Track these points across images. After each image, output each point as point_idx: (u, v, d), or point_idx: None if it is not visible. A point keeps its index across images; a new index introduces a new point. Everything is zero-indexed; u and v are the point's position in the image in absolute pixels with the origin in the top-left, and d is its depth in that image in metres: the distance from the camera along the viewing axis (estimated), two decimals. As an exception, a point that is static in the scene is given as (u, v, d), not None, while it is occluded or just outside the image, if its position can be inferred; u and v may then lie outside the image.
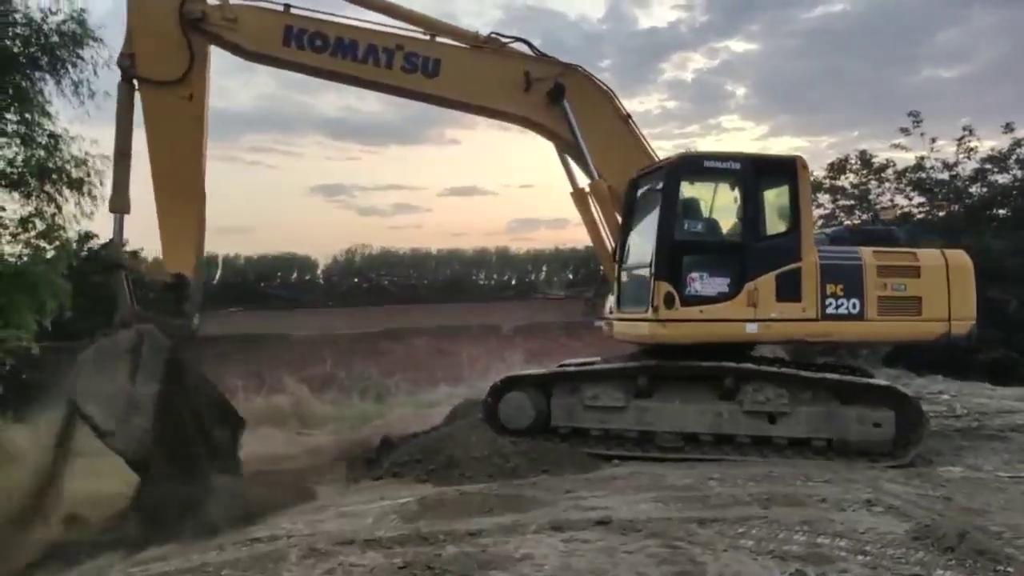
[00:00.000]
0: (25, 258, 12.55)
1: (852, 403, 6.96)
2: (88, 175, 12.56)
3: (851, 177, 21.81)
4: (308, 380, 16.53)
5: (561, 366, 8.16)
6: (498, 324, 24.39)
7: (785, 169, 7.47)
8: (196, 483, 6.33)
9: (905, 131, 20.67)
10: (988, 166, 20.39)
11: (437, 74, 8.20)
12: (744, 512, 4.99)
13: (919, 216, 20.88)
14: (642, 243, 7.73)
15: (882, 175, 21.40)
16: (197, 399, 7.00)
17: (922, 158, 20.72)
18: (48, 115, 12.35)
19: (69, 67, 12.21)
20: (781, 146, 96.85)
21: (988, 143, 23.07)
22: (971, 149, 20.31)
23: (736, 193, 7.56)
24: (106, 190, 11.31)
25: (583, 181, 8.80)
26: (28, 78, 12.05)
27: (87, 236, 18.24)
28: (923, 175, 20.90)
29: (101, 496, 6.82)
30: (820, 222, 19.31)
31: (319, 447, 10.37)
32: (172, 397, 6.65)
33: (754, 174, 7.43)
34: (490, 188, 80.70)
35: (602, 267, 9.16)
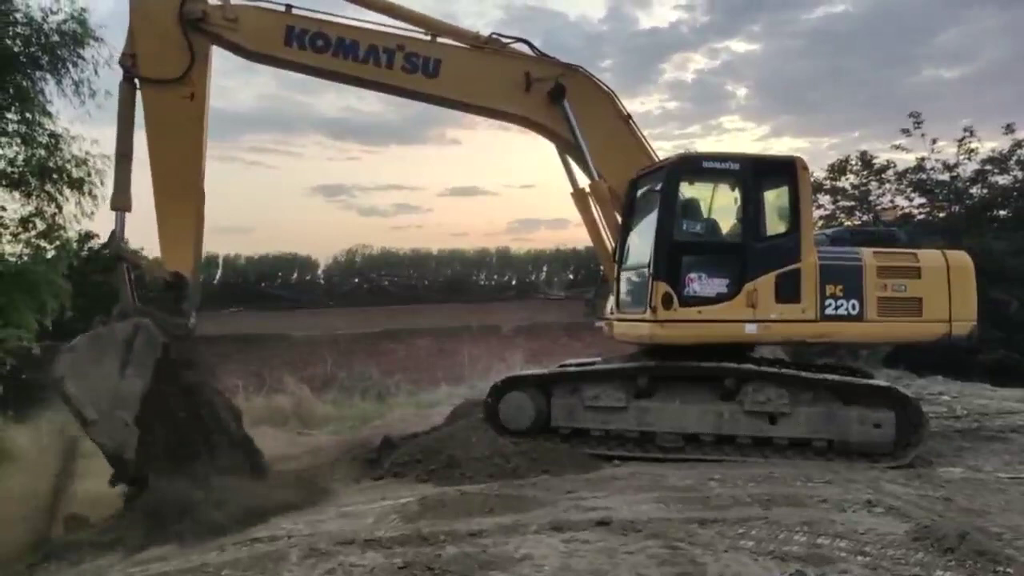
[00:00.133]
0: (25, 258, 12.57)
1: (853, 404, 6.95)
2: (89, 175, 12.61)
3: (852, 178, 21.75)
4: (309, 380, 16.55)
5: (562, 366, 8.16)
6: (498, 324, 24.48)
7: (785, 170, 7.46)
8: (199, 483, 6.29)
9: (906, 132, 20.61)
10: (989, 167, 20.35)
11: (438, 74, 8.19)
12: (745, 513, 4.99)
13: (920, 217, 20.84)
14: (642, 243, 7.73)
15: (883, 176, 21.34)
16: (197, 399, 6.97)
17: (923, 159, 20.69)
18: (49, 115, 12.40)
19: (70, 67, 12.25)
20: (782, 147, 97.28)
21: (989, 144, 23.15)
22: (972, 150, 20.26)
23: (736, 194, 7.56)
24: (106, 190, 11.42)
25: (583, 181, 8.78)
26: (29, 78, 12.06)
27: (87, 236, 18.22)
28: (924, 176, 20.84)
29: (101, 496, 6.80)
30: (820, 223, 19.32)
31: (320, 447, 10.36)
32: (164, 396, 6.61)
33: (754, 175, 7.43)
34: (491, 188, 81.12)
35: (602, 267, 9.14)
